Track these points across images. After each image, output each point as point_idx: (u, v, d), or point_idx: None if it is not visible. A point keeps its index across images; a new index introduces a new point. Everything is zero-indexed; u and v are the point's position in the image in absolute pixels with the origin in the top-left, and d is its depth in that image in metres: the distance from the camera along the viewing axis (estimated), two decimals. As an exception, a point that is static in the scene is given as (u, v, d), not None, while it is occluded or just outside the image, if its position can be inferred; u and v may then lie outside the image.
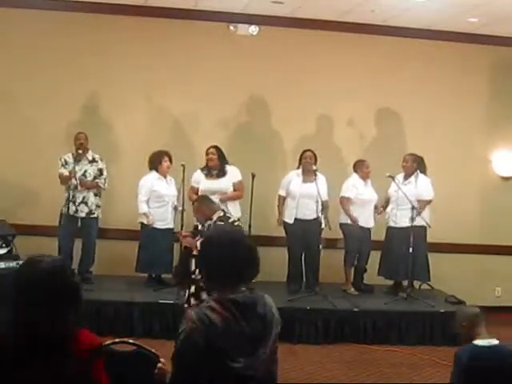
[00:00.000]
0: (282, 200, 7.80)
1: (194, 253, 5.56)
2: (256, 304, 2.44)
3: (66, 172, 7.41)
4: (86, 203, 7.46)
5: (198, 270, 5.47)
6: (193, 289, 5.49)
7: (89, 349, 2.40)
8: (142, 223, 7.59)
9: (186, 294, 5.56)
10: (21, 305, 2.35)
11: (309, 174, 7.60)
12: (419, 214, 7.42)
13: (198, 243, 5.44)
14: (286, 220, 7.69)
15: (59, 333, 2.33)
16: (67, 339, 2.35)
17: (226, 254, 2.46)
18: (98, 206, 7.58)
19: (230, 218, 5.80)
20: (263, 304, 2.47)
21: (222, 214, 5.71)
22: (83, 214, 7.44)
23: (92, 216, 7.51)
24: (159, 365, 2.59)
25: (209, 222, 5.62)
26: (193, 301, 5.47)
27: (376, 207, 7.90)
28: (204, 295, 5.42)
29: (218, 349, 2.33)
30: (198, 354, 2.33)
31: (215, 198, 7.04)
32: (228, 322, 2.36)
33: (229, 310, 2.38)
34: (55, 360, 2.33)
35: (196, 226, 6.02)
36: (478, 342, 4.01)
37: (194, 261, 5.55)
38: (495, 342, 4.05)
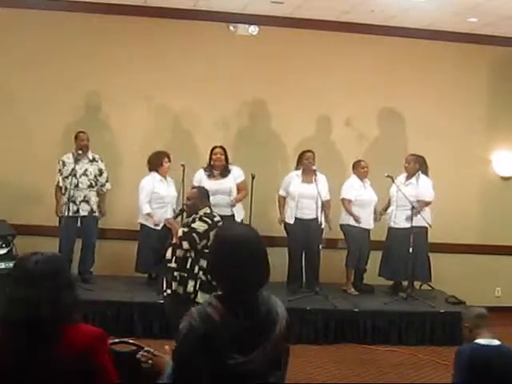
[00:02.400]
0: (283, 200, 7.81)
1: (173, 241, 5.51)
2: (258, 303, 2.42)
3: (60, 183, 7.42)
4: (88, 202, 7.46)
5: (174, 259, 5.48)
6: (169, 277, 5.49)
7: (87, 341, 2.41)
8: (141, 224, 7.58)
9: (164, 284, 5.53)
10: (18, 294, 2.41)
11: (309, 174, 7.61)
12: (417, 214, 7.42)
13: (180, 231, 5.44)
14: (287, 220, 7.70)
15: (57, 319, 2.37)
16: (64, 328, 2.38)
17: (231, 255, 2.42)
18: (98, 206, 7.58)
19: (215, 216, 5.78)
20: (267, 303, 2.44)
21: (208, 210, 5.66)
22: (85, 213, 7.43)
23: (94, 215, 7.50)
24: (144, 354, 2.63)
25: (194, 216, 5.56)
26: (169, 291, 5.47)
27: (375, 212, 7.90)
28: (175, 286, 5.43)
29: (215, 344, 2.32)
30: (196, 350, 2.33)
31: (221, 200, 7.23)
32: (226, 318, 2.35)
33: (228, 308, 2.37)
34: (49, 350, 2.36)
35: (182, 209, 5.96)
36: (480, 340, 4.03)
37: (170, 249, 5.53)
38: (496, 342, 4.06)
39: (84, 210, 7.43)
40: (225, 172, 7.56)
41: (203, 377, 2.34)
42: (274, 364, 2.42)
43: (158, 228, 7.42)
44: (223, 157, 7.55)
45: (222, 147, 7.59)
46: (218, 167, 7.55)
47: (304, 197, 7.55)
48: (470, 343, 4.07)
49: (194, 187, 6.31)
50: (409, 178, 7.80)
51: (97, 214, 7.55)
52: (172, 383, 2.41)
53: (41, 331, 2.37)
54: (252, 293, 2.42)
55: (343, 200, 7.77)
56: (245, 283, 2.41)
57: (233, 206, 7.40)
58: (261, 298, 2.44)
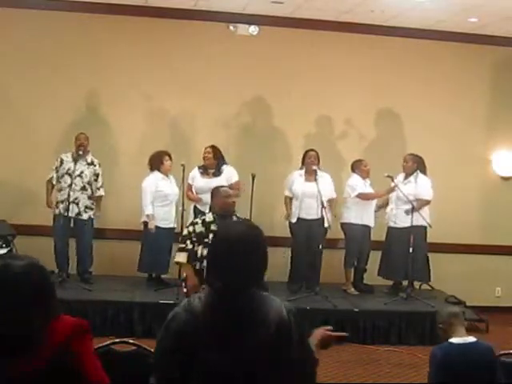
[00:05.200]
0: (289, 200, 7.79)
1: None
2: (248, 302, 2.37)
3: (53, 179, 7.44)
4: (77, 204, 7.41)
5: None
6: None
7: (66, 335, 2.38)
8: (144, 222, 7.57)
9: None
10: None
11: (311, 174, 7.62)
12: (417, 210, 7.41)
13: None
14: (290, 219, 7.70)
15: (22, 335, 2.32)
16: (33, 339, 2.33)
17: (229, 251, 2.40)
18: (88, 208, 7.49)
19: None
20: (260, 304, 2.39)
21: None
22: (72, 214, 7.34)
23: (81, 217, 7.42)
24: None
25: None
26: None
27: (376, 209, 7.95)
28: None
29: (193, 335, 2.32)
30: (175, 338, 2.34)
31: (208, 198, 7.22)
32: (210, 312, 2.34)
33: (215, 303, 2.36)
34: (19, 361, 2.31)
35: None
36: (453, 339, 4.01)
37: None
38: (472, 339, 4.02)
39: (72, 212, 7.33)
40: (217, 172, 7.59)
41: (181, 368, 2.32)
42: (266, 366, 2.34)
43: (163, 227, 7.47)
44: (211, 156, 7.58)
45: (212, 146, 7.63)
46: (209, 166, 7.60)
47: (307, 196, 7.56)
48: (443, 343, 4.06)
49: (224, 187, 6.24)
50: (407, 176, 7.81)
51: (85, 216, 7.47)
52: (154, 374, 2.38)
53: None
54: (239, 291, 2.38)
55: (360, 195, 7.74)
56: (232, 281, 2.37)
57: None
58: (256, 298, 2.40)
